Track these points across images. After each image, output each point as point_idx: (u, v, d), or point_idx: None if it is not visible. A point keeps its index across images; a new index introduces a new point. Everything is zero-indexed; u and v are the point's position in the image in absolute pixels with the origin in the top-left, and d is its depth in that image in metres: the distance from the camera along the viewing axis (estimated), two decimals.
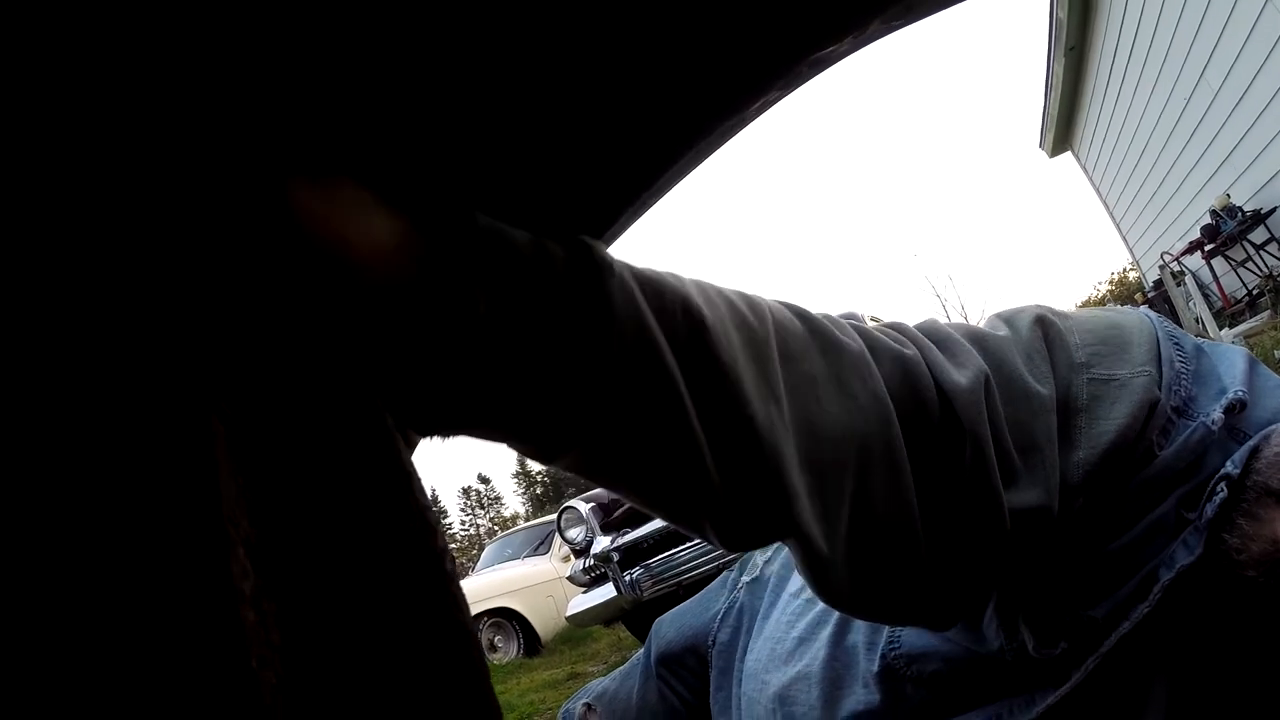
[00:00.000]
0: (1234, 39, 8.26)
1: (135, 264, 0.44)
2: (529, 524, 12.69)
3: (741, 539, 0.78)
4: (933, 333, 0.92)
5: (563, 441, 0.66)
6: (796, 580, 1.40)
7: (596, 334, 0.64)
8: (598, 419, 0.66)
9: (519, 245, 0.62)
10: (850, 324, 0.87)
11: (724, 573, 1.70)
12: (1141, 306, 1.12)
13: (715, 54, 0.60)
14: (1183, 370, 0.96)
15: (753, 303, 0.77)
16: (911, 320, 0.96)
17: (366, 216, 0.57)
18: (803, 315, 0.82)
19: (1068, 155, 14.74)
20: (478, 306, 0.59)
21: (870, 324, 0.92)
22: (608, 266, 0.65)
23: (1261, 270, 9.00)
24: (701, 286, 0.74)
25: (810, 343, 0.79)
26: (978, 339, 0.93)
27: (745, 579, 1.58)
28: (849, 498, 0.79)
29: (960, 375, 0.85)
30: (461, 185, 0.64)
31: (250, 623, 0.37)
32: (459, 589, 0.47)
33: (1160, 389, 0.93)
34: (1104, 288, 20.66)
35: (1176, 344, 0.98)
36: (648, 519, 5.70)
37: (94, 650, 0.36)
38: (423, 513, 0.47)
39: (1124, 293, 17.48)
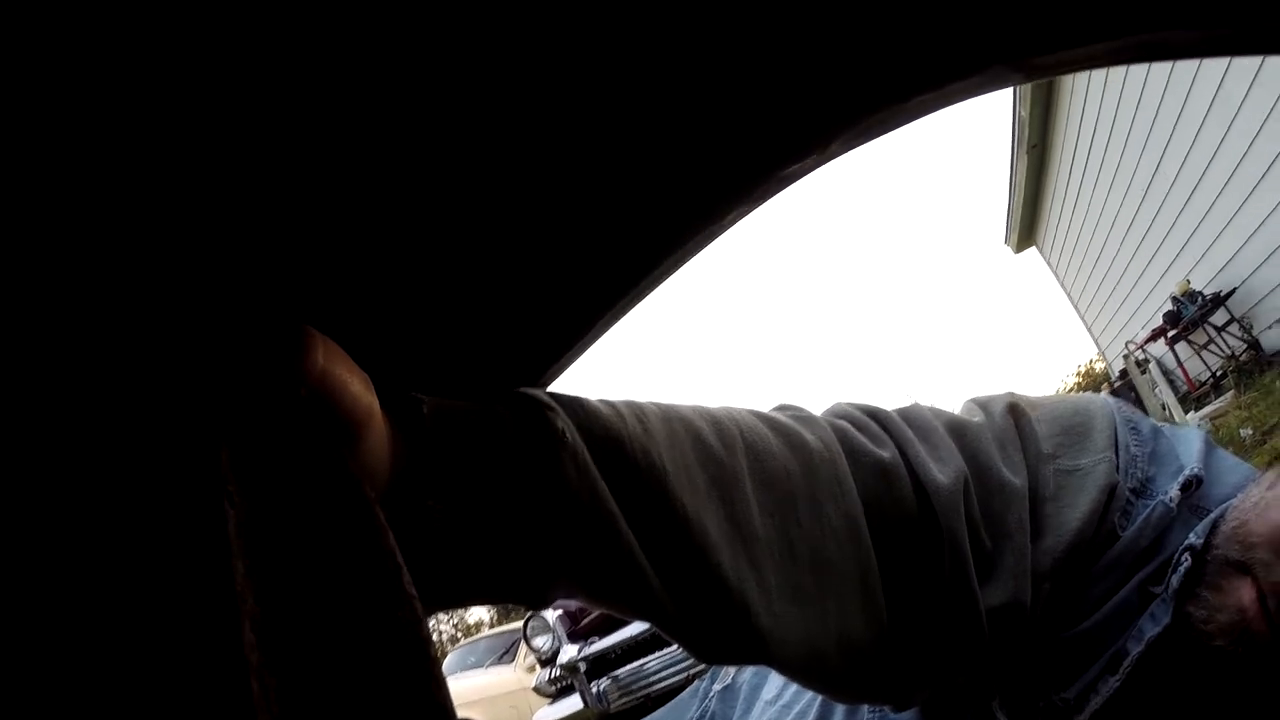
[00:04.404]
0: (1188, 129, 8.50)
1: (167, 383, 0.48)
2: (493, 631, 12.41)
3: (718, 662, 0.81)
4: (915, 421, 0.96)
5: (538, 597, 0.70)
6: (772, 687, 1.39)
7: (551, 510, 0.67)
8: (562, 574, 0.70)
9: (468, 436, 0.65)
10: (830, 423, 0.91)
11: (695, 681, 1.69)
12: (1103, 393, 1.16)
13: (688, 170, 0.66)
14: (1138, 454, 1.00)
15: (723, 431, 0.81)
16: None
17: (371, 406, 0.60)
18: (779, 428, 0.86)
19: (1032, 251, 14.99)
20: (432, 515, 0.62)
21: (853, 409, 0.97)
22: (558, 439, 0.68)
23: (1224, 351, 9.13)
24: (668, 420, 0.77)
25: (788, 460, 0.83)
26: (956, 429, 0.98)
27: (717, 687, 1.57)
28: (832, 618, 0.83)
29: (941, 474, 0.90)
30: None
31: (256, 693, 0.39)
32: (440, 671, 0.49)
33: (1118, 473, 0.97)
34: (1071, 380, 20.80)
35: (1133, 428, 1.03)
36: (616, 628, 5.63)
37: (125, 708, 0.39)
38: (410, 601, 0.49)
39: (1091, 384, 17.62)
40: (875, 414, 0.96)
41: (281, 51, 0.48)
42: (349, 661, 0.46)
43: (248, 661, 0.40)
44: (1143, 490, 0.97)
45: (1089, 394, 1.13)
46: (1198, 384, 9.90)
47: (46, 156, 0.45)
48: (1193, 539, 0.91)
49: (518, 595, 0.70)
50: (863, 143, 0.67)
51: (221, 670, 0.40)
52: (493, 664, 10.61)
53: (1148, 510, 0.94)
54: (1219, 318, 9.06)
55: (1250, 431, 6.38)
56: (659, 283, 0.72)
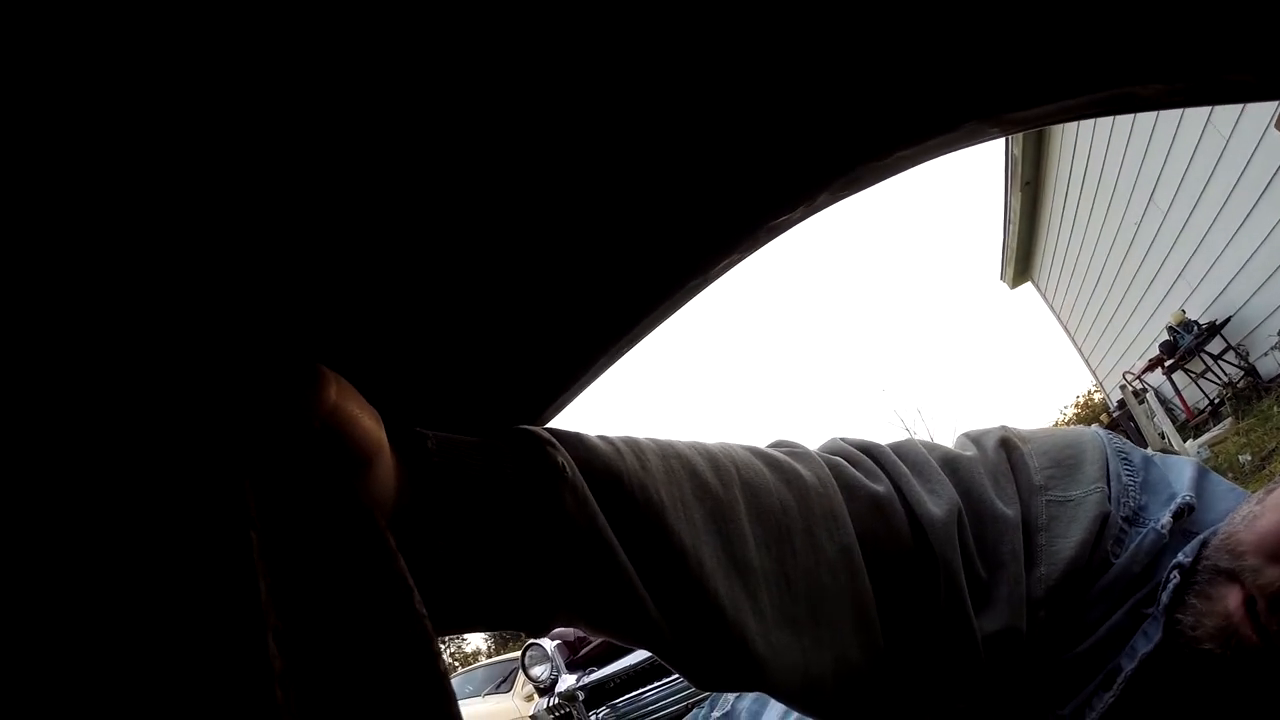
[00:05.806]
0: (1179, 161, 8.57)
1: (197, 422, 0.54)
2: (491, 660, 12.26)
3: (715, 688, 0.84)
4: (908, 456, 0.98)
5: (540, 624, 0.73)
6: (772, 714, 1.40)
7: (552, 542, 0.69)
8: (564, 603, 0.72)
9: (471, 471, 0.68)
10: (824, 458, 0.93)
11: (694, 710, 1.69)
12: (1093, 426, 1.17)
13: (682, 223, 0.70)
14: (1130, 483, 1.01)
15: (719, 467, 0.83)
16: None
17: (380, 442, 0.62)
18: (774, 464, 0.88)
19: (1028, 286, 15.04)
20: (436, 544, 0.65)
21: (847, 444, 0.99)
22: (558, 473, 0.70)
23: (1221, 379, 9.17)
24: (665, 457, 0.80)
25: (783, 494, 0.85)
26: (949, 462, 0.99)
27: (716, 714, 1.57)
28: (827, 646, 0.85)
29: (935, 506, 0.92)
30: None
31: (280, 700, 0.43)
32: (450, 685, 0.53)
33: (1110, 502, 0.98)
34: (1070, 411, 20.74)
35: (1124, 458, 1.04)
36: (614, 657, 5.62)
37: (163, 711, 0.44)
38: (422, 620, 0.54)
39: (1090, 415, 17.55)
40: (869, 449, 0.98)
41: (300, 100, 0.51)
42: (364, 671, 0.51)
43: (272, 669, 0.45)
44: (1135, 519, 0.98)
45: (1080, 427, 1.15)
46: (1196, 412, 9.93)
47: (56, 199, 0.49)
48: (1181, 558, 0.92)
49: (519, 622, 0.72)
50: (847, 195, 0.70)
51: (248, 678, 0.44)
52: (490, 693, 10.46)
53: (1140, 537, 0.96)
54: (1215, 346, 9.10)
55: (1249, 457, 6.41)
56: (655, 326, 0.76)
